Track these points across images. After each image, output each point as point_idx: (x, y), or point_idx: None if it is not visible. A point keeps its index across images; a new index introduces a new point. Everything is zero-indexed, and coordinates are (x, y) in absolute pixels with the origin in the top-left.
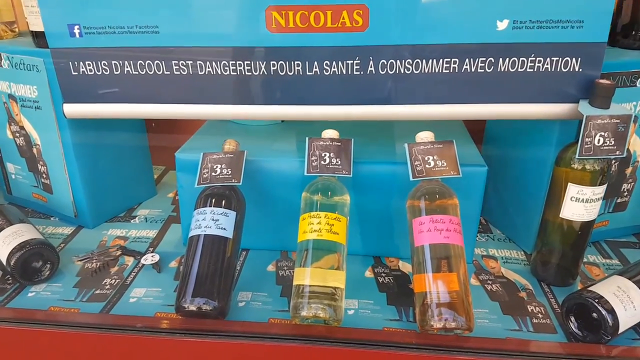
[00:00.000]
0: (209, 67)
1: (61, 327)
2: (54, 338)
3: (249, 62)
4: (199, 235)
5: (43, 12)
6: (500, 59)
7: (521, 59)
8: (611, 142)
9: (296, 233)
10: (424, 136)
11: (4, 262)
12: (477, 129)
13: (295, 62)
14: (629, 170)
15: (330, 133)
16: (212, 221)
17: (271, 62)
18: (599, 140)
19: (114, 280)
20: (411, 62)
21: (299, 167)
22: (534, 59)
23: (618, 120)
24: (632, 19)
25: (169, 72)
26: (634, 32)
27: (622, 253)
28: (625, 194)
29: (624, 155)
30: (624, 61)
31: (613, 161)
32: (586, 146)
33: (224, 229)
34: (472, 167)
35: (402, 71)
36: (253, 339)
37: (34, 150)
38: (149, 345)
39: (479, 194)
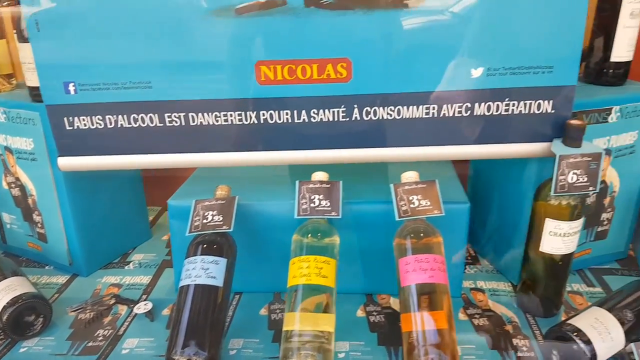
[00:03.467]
0: (201, 119)
1: None
2: None
3: (240, 113)
4: (188, 285)
5: (39, 71)
6: (476, 104)
7: (496, 103)
8: (584, 179)
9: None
10: (409, 176)
11: None
12: (465, 163)
13: (284, 111)
14: (607, 201)
15: (319, 175)
16: (202, 270)
17: (261, 112)
18: (572, 177)
19: (107, 331)
20: (393, 109)
21: (290, 209)
22: (508, 102)
23: (590, 158)
24: (603, 56)
25: (162, 124)
26: (605, 70)
27: (605, 281)
28: (605, 222)
29: (597, 191)
30: (596, 100)
31: (590, 194)
32: (560, 183)
33: (214, 277)
34: (456, 205)
35: (385, 117)
36: None
37: (29, 200)
38: None
39: (464, 230)
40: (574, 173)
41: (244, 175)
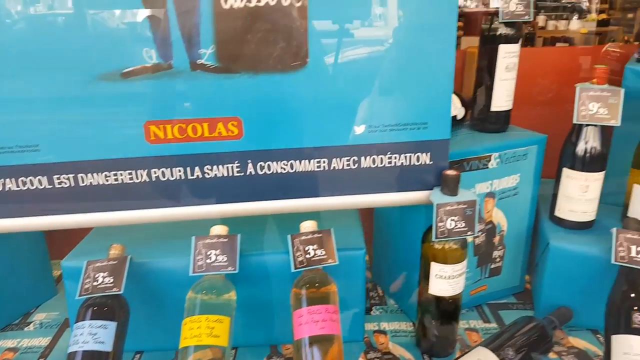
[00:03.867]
0: (90, 179)
1: None
2: None
3: (130, 172)
4: (76, 352)
5: None
6: (362, 157)
7: (380, 156)
8: (462, 225)
9: None
10: (306, 226)
11: None
12: None
13: (177, 169)
14: (497, 239)
15: (217, 229)
16: (90, 335)
17: (152, 170)
18: (450, 223)
19: None
20: (286, 163)
21: (188, 264)
22: (390, 155)
23: (465, 206)
24: (485, 106)
25: (51, 186)
26: (487, 118)
27: (500, 316)
28: (498, 259)
29: (476, 235)
30: (476, 148)
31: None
32: (440, 230)
33: (103, 342)
34: (352, 251)
35: (279, 171)
36: None
37: None
38: None
39: (361, 275)
40: (451, 220)
41: (144, 232)
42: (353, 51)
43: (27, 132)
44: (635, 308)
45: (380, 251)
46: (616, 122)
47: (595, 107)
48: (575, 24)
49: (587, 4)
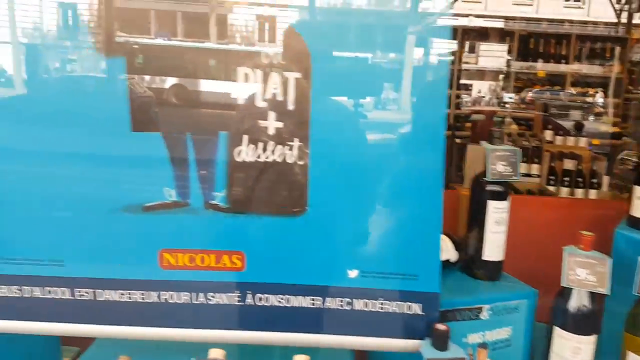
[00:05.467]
0: (107, 295)
1: None
2: None
3: (142, 292)
4: None
5: None
6: (355, 300)
7: (371, 300)
8: None
9: None
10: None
11: None
12: None
13: (184, 293)
14: None
15: (215, 353)
16: None
17: (161, 292)
18: None
19: None
20: (283, 297)
21: None
22: (382, 301)
23: None
24: (477, 253)
25: (72, 298)
26: (478, 266)
27: None
28: None
29: None
30: (468, 299)
31: None
32: None
33: None
34: None
35: (275, 304)
36: None
37: None
38: None
39: None
40: None
41: (146, 344)
42: (349, 203)
43: (52, 247)
44: None
45: None
46: (604, 290)
47: (583, 273)
48: (582, 142)
49: (602, 105)
